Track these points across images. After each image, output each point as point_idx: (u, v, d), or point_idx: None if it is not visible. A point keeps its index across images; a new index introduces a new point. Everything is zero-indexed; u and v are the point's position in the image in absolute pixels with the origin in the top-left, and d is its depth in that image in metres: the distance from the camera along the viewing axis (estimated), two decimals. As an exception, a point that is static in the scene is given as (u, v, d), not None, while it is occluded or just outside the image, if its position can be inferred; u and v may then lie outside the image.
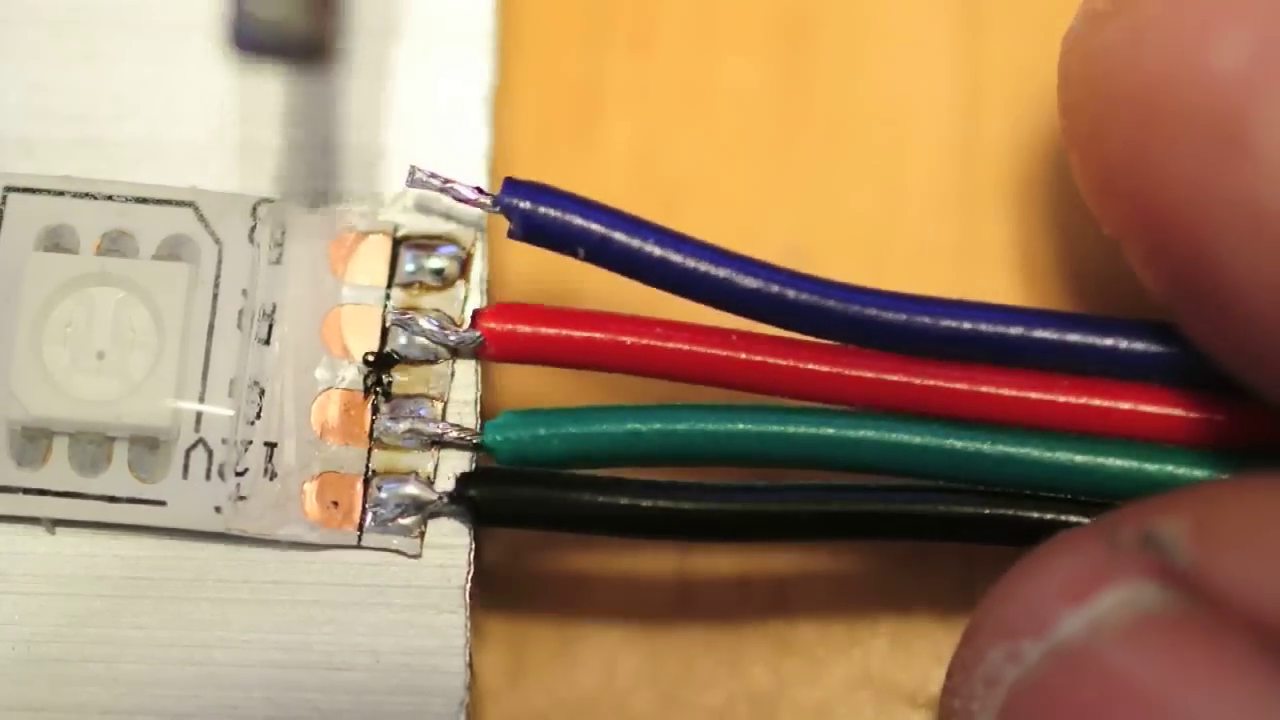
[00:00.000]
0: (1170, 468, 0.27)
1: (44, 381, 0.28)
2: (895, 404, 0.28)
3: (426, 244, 0.29)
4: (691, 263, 0.28)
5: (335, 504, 0.28)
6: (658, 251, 0.28)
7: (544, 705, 0.31)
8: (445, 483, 0.28)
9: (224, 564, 0.28)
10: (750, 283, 0.28)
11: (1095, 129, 0.27)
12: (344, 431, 0.28)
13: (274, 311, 0.28)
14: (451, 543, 0.28)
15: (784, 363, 0.28)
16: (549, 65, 0.33)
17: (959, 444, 0.28)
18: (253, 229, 0.28)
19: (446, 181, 0.28)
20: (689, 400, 0.28)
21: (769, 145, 0.33)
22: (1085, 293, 0.32)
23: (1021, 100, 0.32)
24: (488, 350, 0.28)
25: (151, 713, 0.27)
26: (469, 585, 0.28)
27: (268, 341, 0.28)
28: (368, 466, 0.28)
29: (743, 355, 0.28)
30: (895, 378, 0.28)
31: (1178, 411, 0.28)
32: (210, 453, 0.28)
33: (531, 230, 0.28)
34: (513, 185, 0.28)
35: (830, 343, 0.28)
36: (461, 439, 0.28)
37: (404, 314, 0.28)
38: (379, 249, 0.29)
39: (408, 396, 0.28)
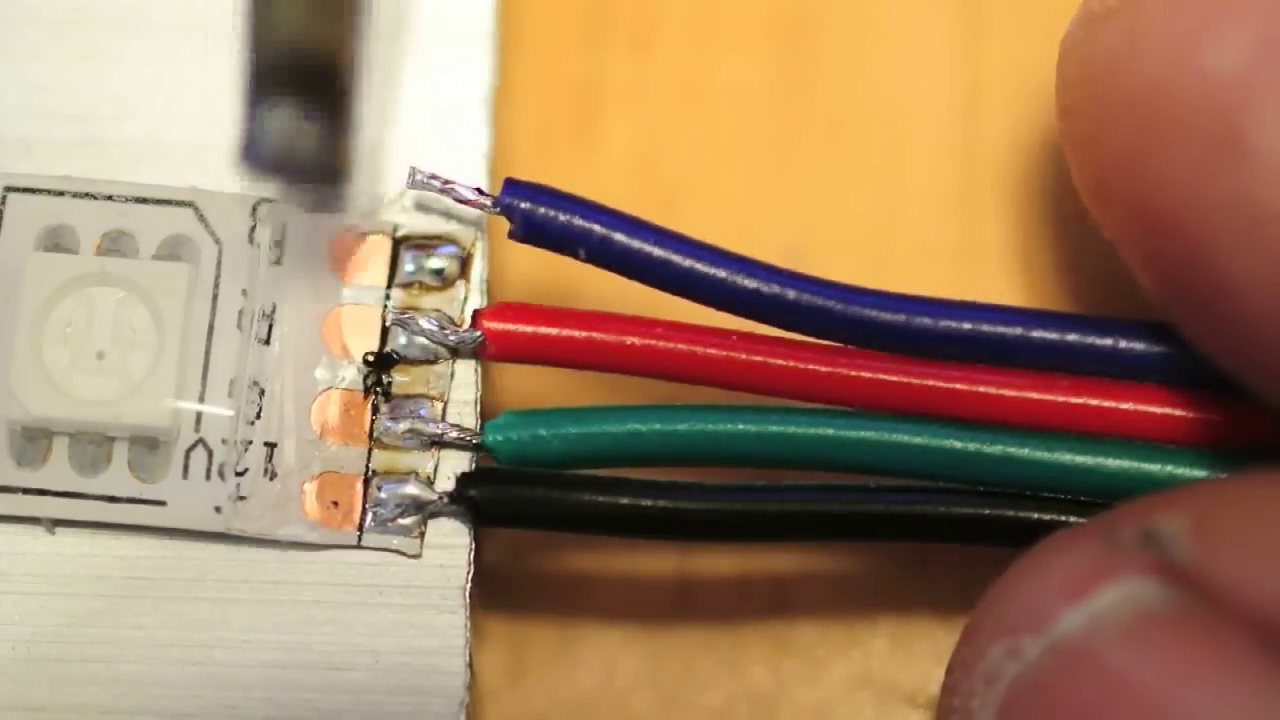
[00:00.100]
0: (1169, 468, 0.28)
1: (44, 381, 0.28)
2: (895, 404, 0.28)
3: (426, 244, 0.29)
4: (692, 263, 0.28)
5: (335, 504, 0.28)
6: (658, 252, 0.28)
7: (544, 705, 0.31)
8: (445, 483, 0.28)
9: (224, 564, 0.28)
10: (750, 283, 0.28)
11: (1093, 132, 0.27)
12: (344, 431, 0.28)
13: (274, 311, 0.28)
14: (451, 543, 0.28)
15: (784, 363, 0.28)
16: (549, 65, 0.33)
17: (959, 444, 0.28)
18: (253, 229, 0.28)
19: (447, 183, 0.28)
20: (689, 401, 0.28)
21: (769, 145, 0.33)
22: (1085, 292, 0.32)
23: (1021, 100, 0.32)
24: (488, 350, 0.28)
25: (151, 713, 0.27)
26: (469, 585, 0.28)
27: (268, 341, 0.28)
28: (368, 466, 0.28)
29: (743, 356, 0.28)
30: (895, 378, 0.28)
31: (1177, 412, 0.28)
32: (210, 453, 0.28)
33: (532, 231, 0.28)
34: (513, 186, 0.28)
35: (830, 343, 0.28)
36: (461, 439, 0.28)
37: (404, 314, 0.28)
38: (379, 249, 0.29)
39: (408, 396, 0.28)
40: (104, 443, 0.28)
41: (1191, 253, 0.25)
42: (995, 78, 0.33)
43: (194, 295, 0.28)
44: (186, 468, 0.28)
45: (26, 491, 0.28)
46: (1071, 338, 0.28)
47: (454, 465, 0.28)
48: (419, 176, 0.28)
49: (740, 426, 0.28)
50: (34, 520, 0.28)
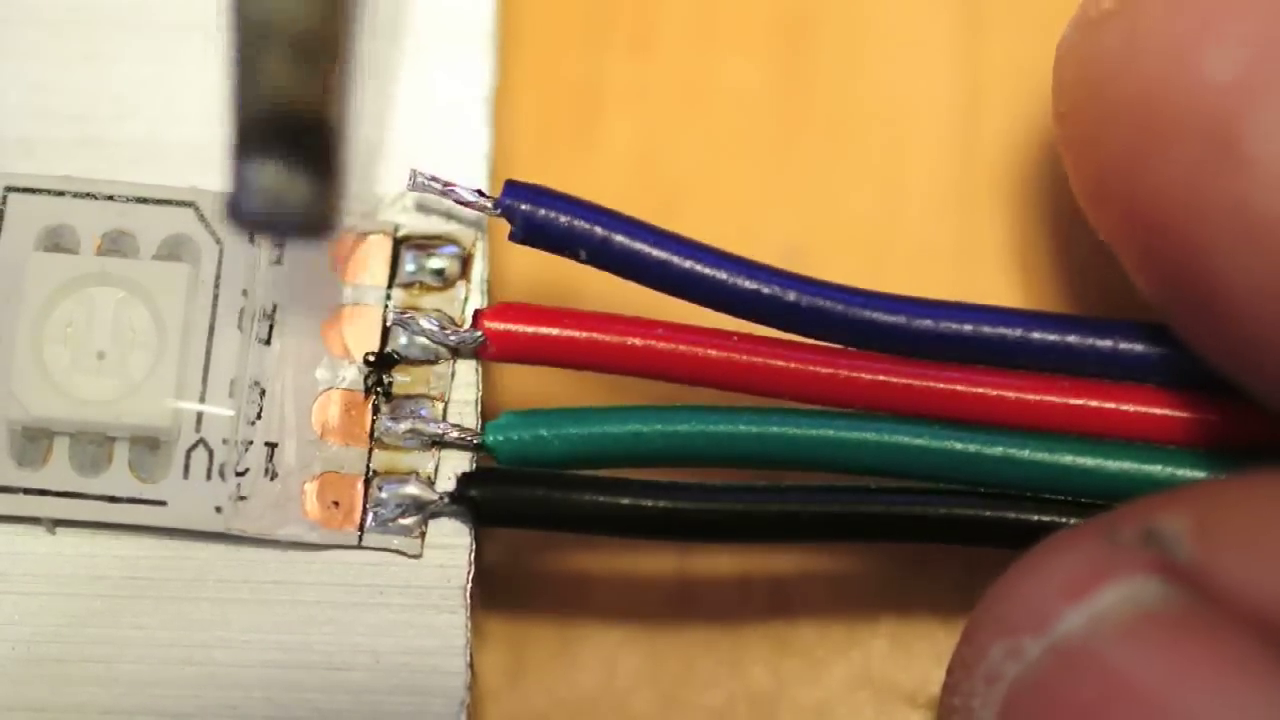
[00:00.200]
0: (1170, 469, 0.28)
1: (44, 381, 0.28)
2: (895, 406, 0.28)
3: (427, 244, 0.29)
4: (692, 265, 0.28)
5: (336, 504, 0.28)
6: (658, 254, 0.28)
7: (544, 705, 0.31)
8: (446, 483, 0.28)
9: (224, 564, 0.28)
10: (750, 285, 0.28)
11: (1089, 135, 0.27)
12: (345, 432, 0.28)
13: (274, 312, 0.28)
14: (452, 543, 0.28)
15: (784, 364, 0.28)
16: (549, 65, 0.33)
17: (959, 446, 0.28)
18: (253, 229, 0.28)
19: (447, 185, 0.28)
20: (690, 401, 0.28)
21: (769, 145, 0.33)
22: (1085, 293, 0.32)
23: (1021, 100, 0.32)
24: (488, 350, 0.28)
25: (151, 713, 0.27)
26: (469, 585, 0.28)
27: (268, 342, 0.28)
28: (368, 467, 0.28)
29: (743, 357, 0.28)
30: (895, 379, 0.28)
31: (1177, 413, 0.28)
32: (211, 453, 0.28)
33: (532, 233, 0.28)
34: (513, 188, 0.28)
35: (830, 345, 0.28)
36: (462, 439, 0.28)
37: (404, 314, 0.28)
38: (380, 249, 0.29)
39: (408, 397, 0.28)
40: (104, 443, 0.28)
41: (1188, 257, 0.25)
42: (995, 78, 0.33)
43: (194, 295, 0.28)
44: (187, 468, 0.28)
45: (27, 491, 0.28)
46: (1071, 339, 0.28)
47: (454, 465, 0.28)
48: (419, 179, 0.28)
49: (741, 427, 0.28)
50: (34, 520, 0.28)
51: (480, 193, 0.28)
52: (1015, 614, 0.25)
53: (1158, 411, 0.28)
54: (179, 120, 0.29)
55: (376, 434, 0.28)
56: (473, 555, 0.28)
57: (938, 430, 0.28)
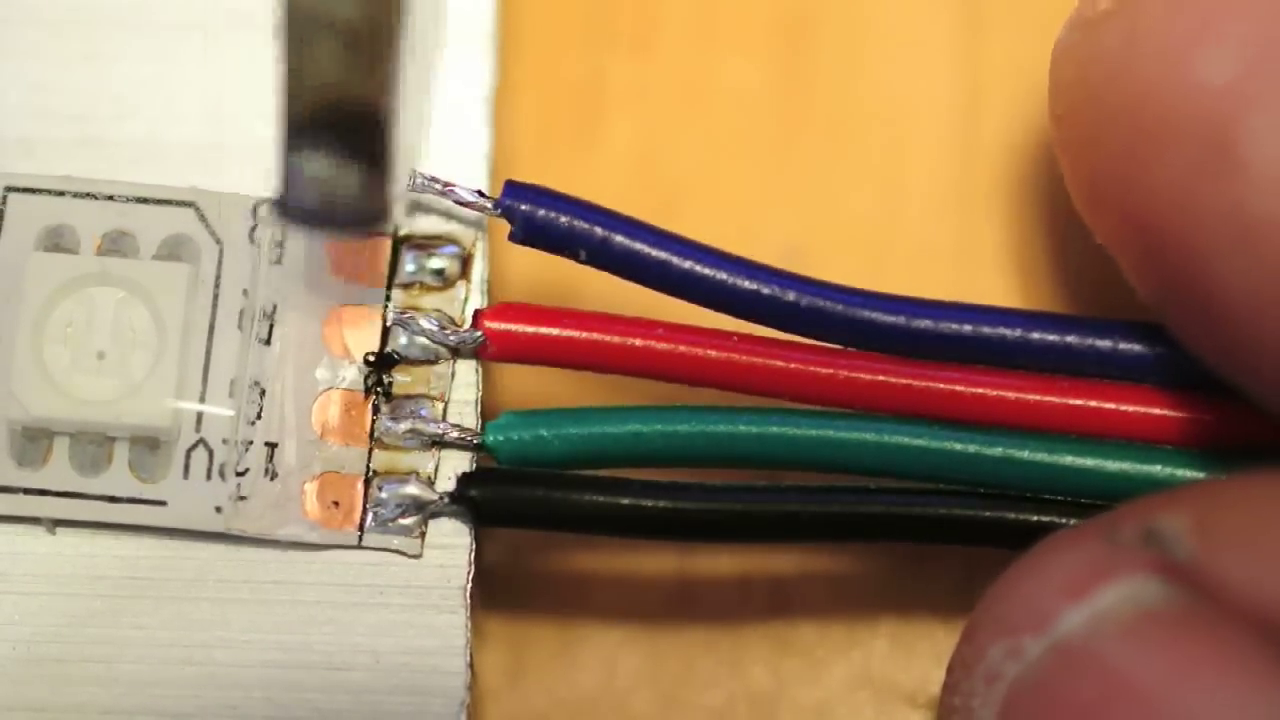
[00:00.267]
0: (1170, 469, 0.28)
1: (44, 381, 0.28)
2: (895, 406, 0.28)
3: (427, 244, 0.29)
4: (691, 265, 0.28)
5: (336, 504, 0.28)
6: (658, 254, 0.28)
7: (544, 705, 0.31)
8: (446, 483, 0.28)
9: (224, 564, 0.28)
10: (750, 285, 0.28)
11: (1085, 138, 0.27)
12: (345, 431, 0.28)
13: (274, 311, 0.28)
14: (452, 543, 0.28)
15: (784, 365, 0.28)
16: (549, 65, 0.33)
17: (959, 446, 0.28)
18: (253, 229, 0.28)
19: (446, 186, 0.28)
20: (690, 402, 0.28)
21: (769, 145, 0.33)
22: (1084, 293, 0.32)
23: (1021, 100, 0.32)
24: (489, 350, 0.28)
25: (151, 713, 0.27)
26: (469, 585, 0.28)
27: (268, 341, 0.28)
28: (368, 467, 0.28)
29: (743, 358, 0.28)
30: (895, 380, 0.28)
31: (1177, 413, 0.28)
32: (211, 453, 0.28)
33: (532, 233, 0.28)
34: (513, 189, 0.28)
35: (830, 345, 0.28)
36: (462, 439, 0.28)
37: (404, 314, 0.28)
38: (379, 249, 0.29)
39: (408, 397, 0.28)
40: (104, 443, 0.28)
41: (1184, 260, 0.25)
42: (995, 78, 0.33)
43: (194, 295, 0.28)
44: (187, 468, 0.28)
45: (27, 492, 0.28)
46: (1071, 339, 0.28)
47: (455, 465, 0.28)
48: (419, 179, 0.28)
49: (741, 428, 0.28)
50: (34, 520, 0.28)
51: (480, 193, 0.28)
52: (1015, 614, 0.25)
53: (1157, 412, 0.28)
54: (179, 120, 0.29)
55: (376, 434, 0.28)
56: (473, 555, 0.28)
57: (937, 431, 0.28)
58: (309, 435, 0.28)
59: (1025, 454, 0.27)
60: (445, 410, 0.28)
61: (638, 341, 0.28)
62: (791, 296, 0.28)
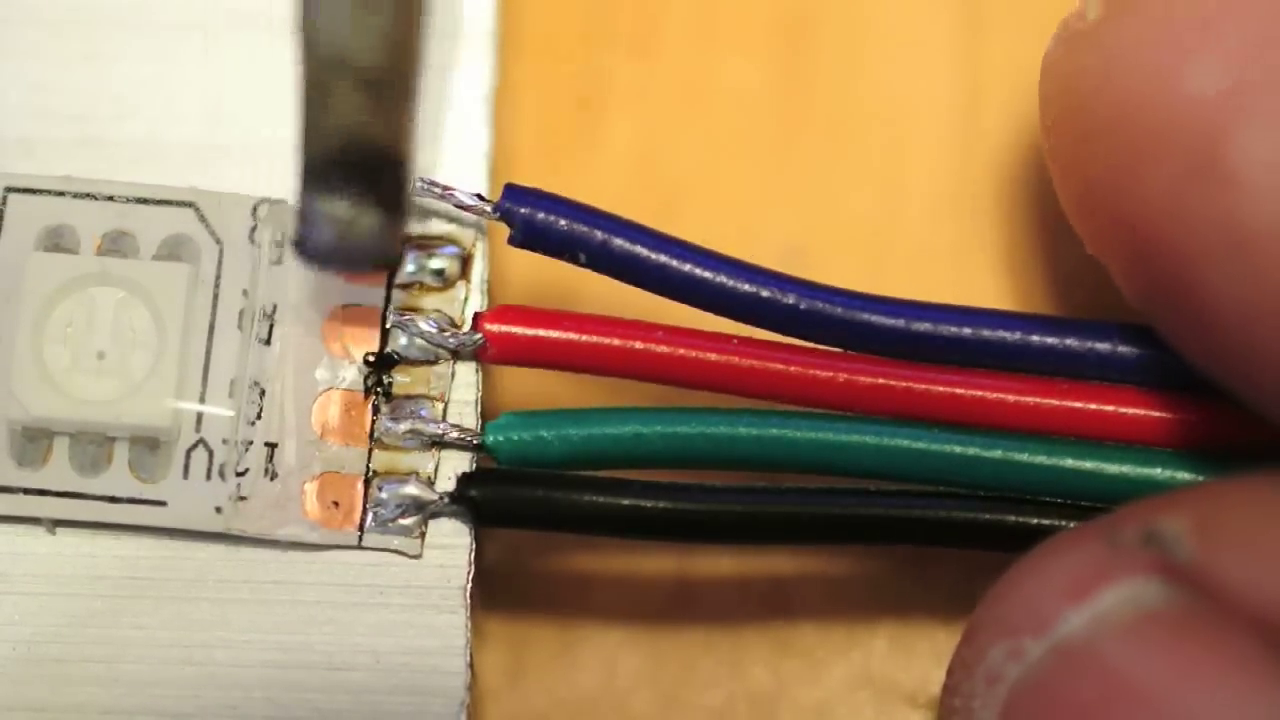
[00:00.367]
0: (1170, 471, 0.28)
1: (44, 381, 0.28)
2: (895, 409, 0.28)
3: (427, 244, 0.29)
4: (691, 268, 0.28)
5: (336, 504, 0.28)
6: (658, 257, 0.28)
7: (544, 705, 0.31)
8: (446, 483, 0.28)
9: (224, 564, 0.28)
10: (750, 288, 0.28)
11: (1074, 149, 0.27)
12: (344, 432, 0.28)
13: (274, 312, 0.28)
14: (452, 543, 0.28)
15: (784, 368, 0.28)
16: (549, 66, 0.33)
17: (958, 449, 0.28)
18: (253, 229, 0.28)
19: (446, 189, 0.28)
20: (690, 404, 0.28)
21: (769, 145, 0.33)
22: (1084, 295, 0.32)
23: (1021, 101, 0.32)
24: (488, 352, 0.28)
25: (151, 713, 0.27)
26: (469, 585, 0.28)
27: (268, 342, 0.28)
28: (368, 467, 0.28)
29: (743, 361, 0.28)
30: (895, 383, 0.28)
31: (1178, 415, 0.28)
32: (211, 453, 0.28)
33: (532, 237, 0.28)
34: (513, 192, 0.28)
35: (830, 348, 0.28)
36: (462, 440, 0.28)
37: (404, 316, 0.28)
38: (380, 249, 0.29)
39: (408, 397, 0.28)
40: (104, 443, 0.28)
41: (1174, 269, 0.25)
42: (995, 78, 0.33)
43: (194, 295, 0.28)
44: (187, 468, 0.28)
45: (27, 492, 0.28)
46: (1070, 341, 0.28)
47: (454, 466, 0.28)
48: (418, 184, 0.28)
49: (741, 430, 0.28)
50: (34, 520, 0.28)
51: (480, 196, 0.28)
52: (1016, 615, 0.25)
53: (1157, 414, 0.28)
54: (179, 120, 0.29)
55: (376, 434, 0.28)
56: (473, 555, 0.28)
57: (937, 433, 0.28)
58: (309, 435, 0.28)
59: (1025, 456, 0.27)
60: (445, 410, 0.28)
61: (638, 345, 0.28)
62: (791, 299, 0.28)
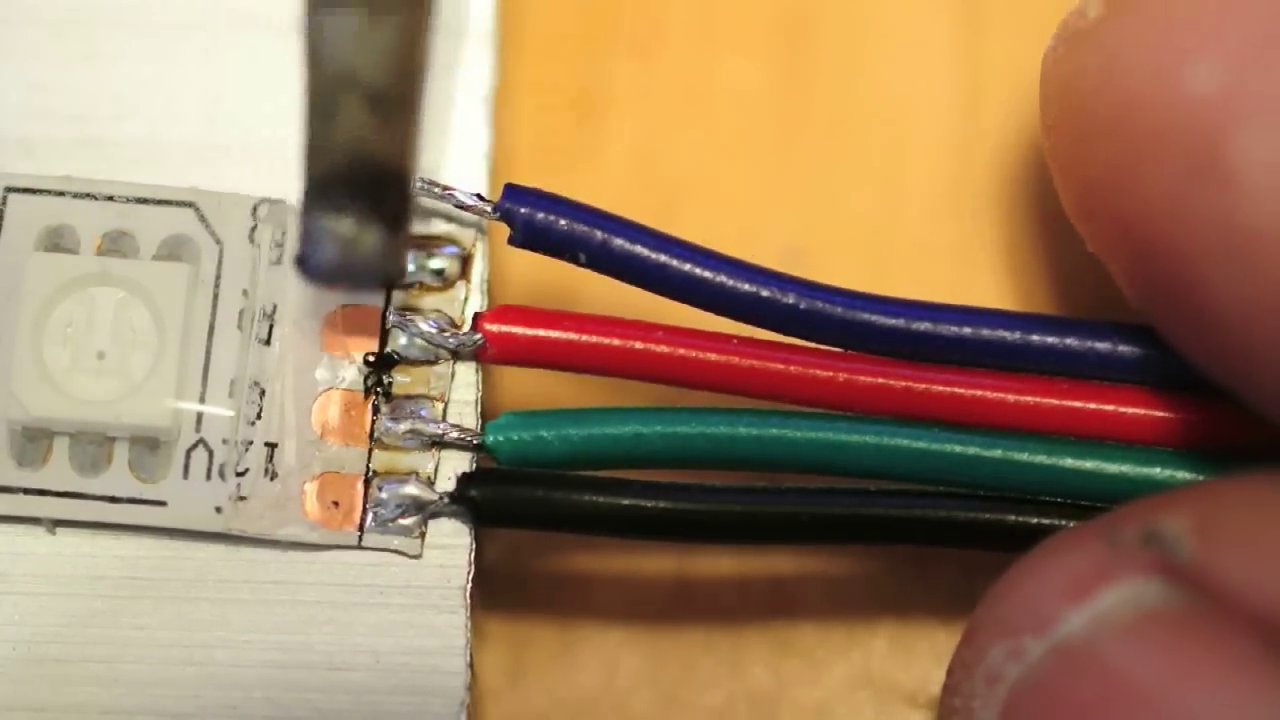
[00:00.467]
0: (1170, 471, 0.28)
1: (44, 381, 0.28)
2: (895, 409, 0.28)
3: (427, 244, 0.29)
4: (691, 268, 0.28)
5: (336, 504, 0.28)
6: (658, 257, 0.28)
7: (544, 705, 0.31)
8: (446, 483, 0.28)
9: (224, 564, 0.28)
10: (750, 288, 0.28)
11: (1074, 149, 0.27)
12: (344, 432, 0.28)
13: (274, 312, 0.28)
14: (452, 543, 0.28)
15: (784, 368, 0.28)
16: (549, 66, 0.33)
17: (958, 448, 0.28)
18: (253, 229, 0.28)
19: (446, 189, 0.28)
20: (690, 404, 0.28)
21: (769, 145, 0.33)
22: (1085, 295, 0.32)
23: (1021, 100, 0.32)
24: (488, 353, 0.28)
25: (151, 713, 0.27)
26: (469, 585, 0.28)
27: (268, 342, 0.28)
28: (368, 467, 0.28)
29: (743, 361, 0.28)
30: (895, 382, 0.28)
31: (1178, 415, 0.28)
32: (211, 453, 0.28)
33: (532, 237, 0.28)
34: (513, 192, 0.28)
35: (830, 348, 0.28)
36: (462, 440, 0.28)
37: (404, 316, 0.28)
38: (380, 249, 0.29)
39: (408, 397, 0.28)
40: (104, 443, 0.28)
41: (1175, 268, 0.25)
42: (995, 78, 0.33)
43: (194, 295, 0.28)
44: (187, 468, 0.28)
45: (27, 492, 0.28)
46: (1070, 341, 0.28)
47: (454, 466, 0.28)
48: (418, 184, 0.28)
49: (741, 430, 0.28)
50: (34, 520, 0.28)
51: (479, 196, 0.28)
52: (1016, 615, 0.25)
53: (1157, 414, 0.28)
54: (179, 120, 0.29)
55: (376, 434, 0.28)
56: (473, 555, 0.28)
57: (937, 433, 0.28)
58: (309, 435, 0.28)
59: (1025, 456, 0.27)
60: (445, 410, 0.28)
61: (638, 345, 0.28)
62: (791, 299, 0.28)
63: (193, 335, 0.28)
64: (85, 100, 0.29)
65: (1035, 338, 0.28)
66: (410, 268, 0.28)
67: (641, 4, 0.33)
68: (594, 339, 0.28)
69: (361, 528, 0.28)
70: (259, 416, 0.28)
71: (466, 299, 0.29)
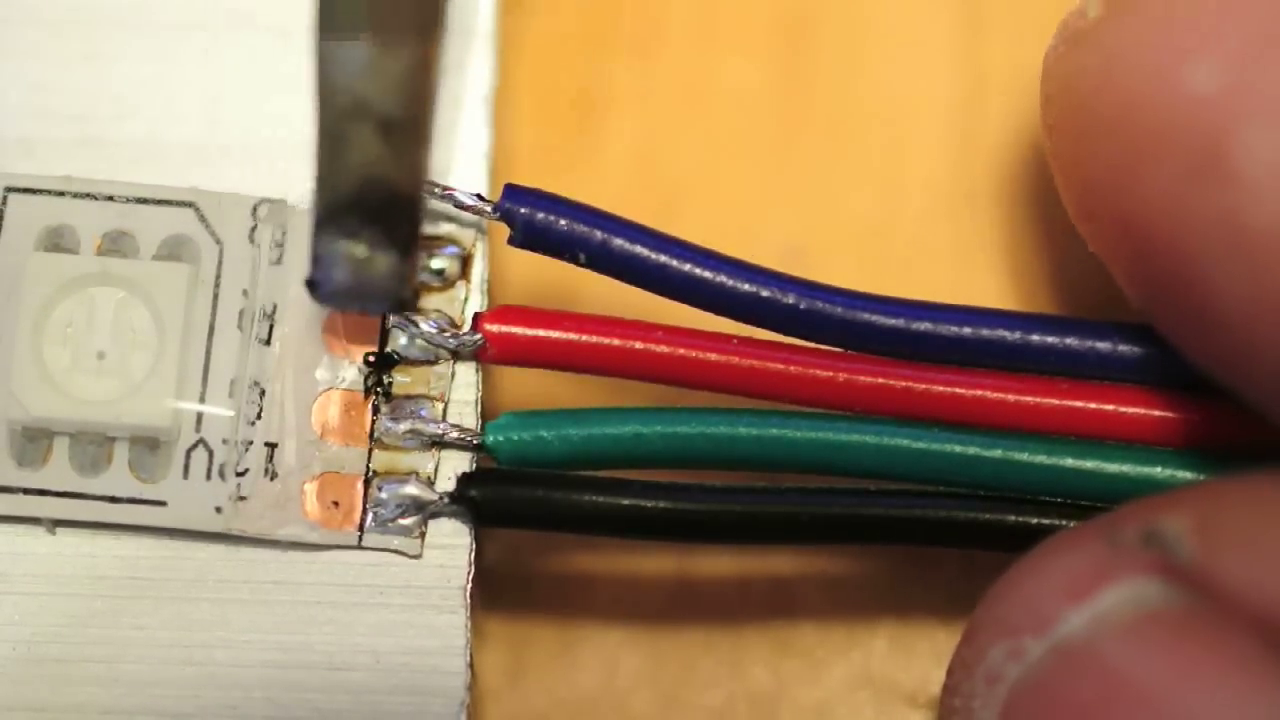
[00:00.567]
0: (1170, 471, 0.28)
1: (44, 381, 0.28)
2: (895, 409, 0.28)
3: (427, 244, 0.29)
4: (691, 268, 0.28)
5: (336, 504, 0.28)
6: (658, 258, 0.28)
7: (544, 705, 0.31)
8: (446, 483, 0.28)
9: (224, 564, 0.28)
10: (750, 288, 0.28)
11: (1076, 149, 0.27)
12: (344, 432, 0.28)
13: (274, 312, 0.28)
14: (452, 543, 0.28)
15: (784, 368, 0.28)
16: (549, 66, 0.33)
17: (958, 448, 0.28)
18: (253, 229, 0.28)
19: (446, 190, 0.28)
20: (690, 404, 0.28)
21: (769, 145, 0.33)
22: (1085, 295, 0.32)
23: (1021, 100, 0.32)
24: (488, 353, 0.28)
25: (151, 713, 0.27)
26: (469, 585, 0.28)
27: (268, 342, 0.28)
28: (368, 467, 0.28)
29: (743, 361, 0.28)
30: (895, 382, 0.28)
31: (1178, 415, 0.28)
32: (211, 453, 0.28)
33: (532, 237, 0.28)
34: (513, 192, 0.28)
35: (830, 348, 0.28)
36: (462, 440, 0.28)
37: (404, 315, 0.28)
38: (380, 249, 0.29)
39: (408, 397, 0.28)
40: (104, 443, 0.28)
41: (1177, 268, 0.25)
42: (995, 78, 0.33)
43: (195, 295, 0.28)
44: (187, 468, 0.28)
45: (27, 492, 0.28)
46: (1071, 341, 0.28)
47: (454, 466, 0.28)
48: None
49: (741, 430, 0.28)
50: (34, 520, 0.28)
51: (480, 196, 0.28)
52: (1016, 615, 0.25)
53: (1157, 413, 0.28)
54: (179, 120, 0.29)
55: (376, 434, 0.28)
56: (473, 555, 0.28)
57: (937, 433, 0.28)
58: (309, 435, 0.28)
59: (1025, 456, 0.27)
60: (445, 410, 0.28)
61: (638, 345, 0.28)
62: (791, 299, 0.28)
63: (193, 335, 0.28)
64: (85, 100, 0.29)
65: (1035, 338, 0.28)
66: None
67: (641, 4, 0.33)
68: (594, 339, 0.28)
69: (361, 528, 0.28)
70: (259, 416, 0.28)
71: (466, 299, 0.29)
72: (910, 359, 0.28)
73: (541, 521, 0.28)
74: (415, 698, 0.27)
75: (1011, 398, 0.28)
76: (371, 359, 0.28)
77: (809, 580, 0.31)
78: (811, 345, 0.28)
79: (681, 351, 0.28)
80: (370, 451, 0.28)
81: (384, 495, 0.28)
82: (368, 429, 0.28)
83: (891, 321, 0.28)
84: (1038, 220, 0.32)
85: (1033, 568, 0.26)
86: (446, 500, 0.28)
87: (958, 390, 0.28)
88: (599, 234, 0.28)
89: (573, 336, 0.28)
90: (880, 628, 0.31)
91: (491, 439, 0.28)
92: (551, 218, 0.28)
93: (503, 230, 0.28)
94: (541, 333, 0.28)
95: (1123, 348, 0.28)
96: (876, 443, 0.28)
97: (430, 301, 0.28)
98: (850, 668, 0.31)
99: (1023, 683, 0.25)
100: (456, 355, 0.28)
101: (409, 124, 0.25)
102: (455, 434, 0.28)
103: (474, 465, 0.28)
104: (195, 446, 0.28)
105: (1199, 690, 0.24)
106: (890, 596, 0.31)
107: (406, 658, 0.28)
